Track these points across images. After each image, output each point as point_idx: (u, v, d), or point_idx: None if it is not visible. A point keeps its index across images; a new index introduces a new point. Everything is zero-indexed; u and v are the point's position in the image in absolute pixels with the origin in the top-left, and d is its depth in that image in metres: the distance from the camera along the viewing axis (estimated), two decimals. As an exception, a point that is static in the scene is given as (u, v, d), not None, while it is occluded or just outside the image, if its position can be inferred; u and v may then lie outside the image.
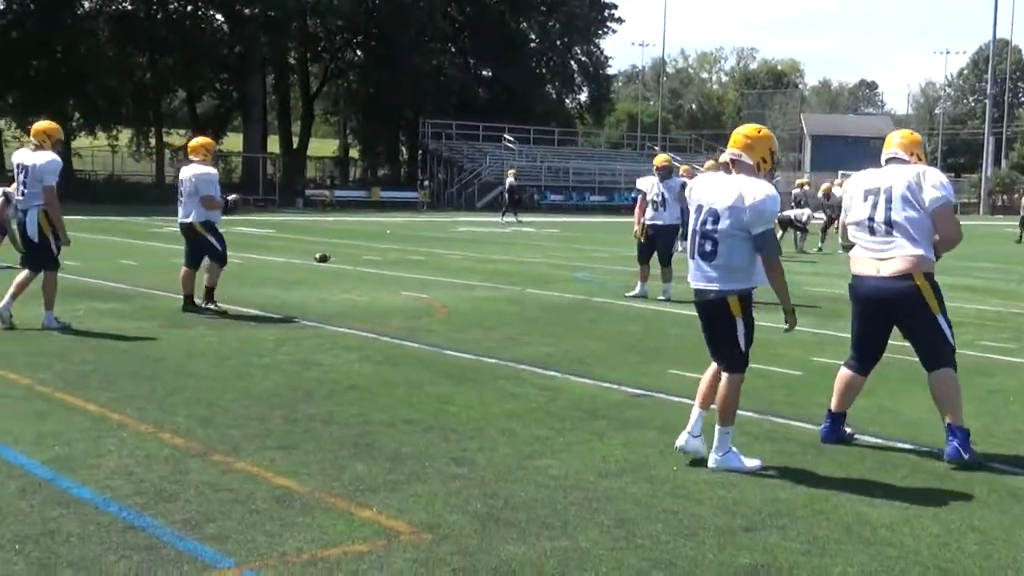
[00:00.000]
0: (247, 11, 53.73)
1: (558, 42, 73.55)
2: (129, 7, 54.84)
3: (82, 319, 11.22)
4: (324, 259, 17.73)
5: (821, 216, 27.63)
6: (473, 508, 5.33)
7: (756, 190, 6.03)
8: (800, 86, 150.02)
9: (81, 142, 57.83)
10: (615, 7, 75.19)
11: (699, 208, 6.26)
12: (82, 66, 49.74)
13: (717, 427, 6.23)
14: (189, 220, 12.01)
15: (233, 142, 69.24)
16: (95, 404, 7.29)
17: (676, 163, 19.33)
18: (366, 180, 62.81)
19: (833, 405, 6.93)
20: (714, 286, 6.19)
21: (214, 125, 67.70)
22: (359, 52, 66.20)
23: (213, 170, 12.14)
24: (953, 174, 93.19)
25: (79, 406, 7.23)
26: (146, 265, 17.48)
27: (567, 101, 79.47)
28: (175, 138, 65.61)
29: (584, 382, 8.65)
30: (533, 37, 72.88)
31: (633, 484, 5.84)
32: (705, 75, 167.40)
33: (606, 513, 5.33)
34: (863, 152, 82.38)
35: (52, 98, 50.92)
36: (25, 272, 10.67)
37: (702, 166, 26.61)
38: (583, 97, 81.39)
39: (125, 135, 60.66)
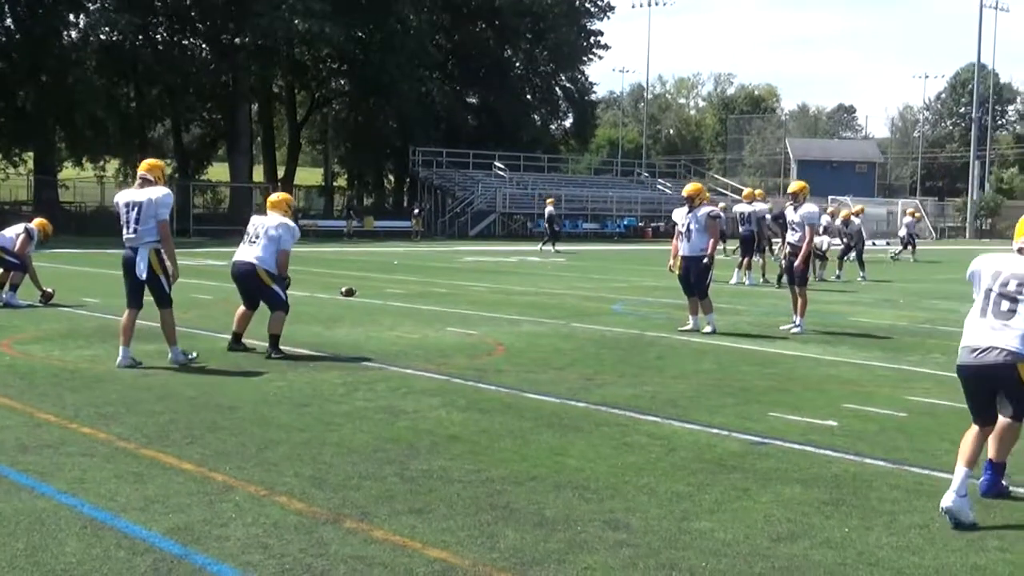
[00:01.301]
0: (237, 40, 53.13)
1: (542, 68, 73.38)
2: (115, 37, 54.14)
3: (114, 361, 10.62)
4: (351, 293, 17.17)
5: (838, 243, 27.16)
6: (661, 583, 4.81)
7: None
8: (777, 110, 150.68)
9: (67, 173, 57.05)
10: (601, 34, 75.06)
11: (997, 273, 6.03)
12: (70, 96, 48.92)
13: None
14: (253, 263, 11.46)
15: (216, 172, 68.69)
16: (190, 462, 6.72)
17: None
18: (353, 209, 62.13)
19: (991, 454, 6.43)
20: (1007, 347, 5.86)
21: (198, 155, 67.29)
22: (344, 80, 65.73)
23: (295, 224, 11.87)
24: (936, 198, 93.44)
25: (174, 464, 6.66)
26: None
27: (551, 127, 79.23)
28: (160, 168, 64.91)
29: (691, 428, 8.15)
30: (518, 64, 72.62)
31: (813, 550, 5.34)
32: (683, 100, 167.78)
33: (805, 586, 4.82)
34: (848, 176, 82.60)
35: (39, 128, 50.25)
36: (128, 313, 10.56)
37: (741, 195, 25.99)
38: (567, 123, 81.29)
39: (112, 165, 59.97)
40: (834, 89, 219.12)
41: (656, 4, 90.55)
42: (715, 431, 8.03)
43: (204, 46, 59.27)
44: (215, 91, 59.38)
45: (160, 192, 10.46)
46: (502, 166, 61.14)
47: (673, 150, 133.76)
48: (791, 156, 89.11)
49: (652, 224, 59.94)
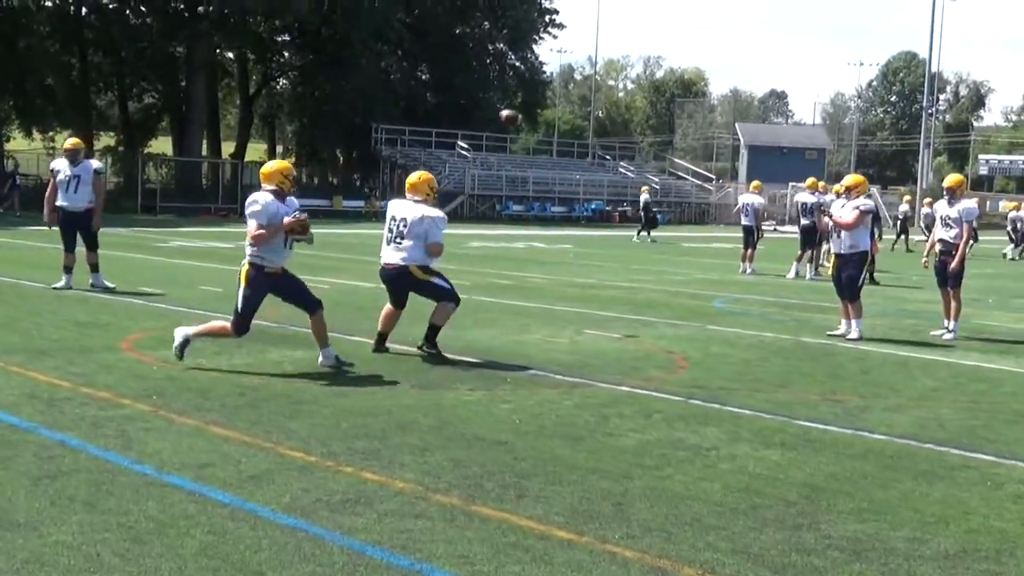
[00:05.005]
0: (199, 9, 50.82)
1: (491, 47, 71.77)
2: (60, 2, 51.61)
3: (290, 374, 9.15)
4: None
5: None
6: None
7: None
8: (707, 94, 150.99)
9: (18, 144, 54.38)
10: (556, 12, 73.68)
11: None
12: (20, 62, 46.31)
13: None
14: (406, 264, 10.27)
15: (159, 145, 66.23)
16: (564, 530, 5.41)
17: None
18: (311, 188, 59.98)
19: None
20: None
21: (143, 128, 64.71)
22: (298, 54, 63.54)
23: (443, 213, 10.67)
24: (880, 187, 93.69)
25: (544, 532, 5.33)
26: (234, 292, 15.24)
27: (500, 107, 77.66)
28: (104, 140, 62.55)
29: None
30: (470, 44, 70.80)
31: None
32: (612, 83, 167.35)
33: None
34: (798, 163, 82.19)
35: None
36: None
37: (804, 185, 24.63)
38: (516, 102, 79.72)
39: (61, 137, 57.34)
40: (763, 74, 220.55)
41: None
42: (1079, 476, 6.84)
43: (151, 15, 56.65)
44: (163, 62, 56.93)
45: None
46: (465, 146, 59.49)
47: (603, 132, 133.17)
48: (741, 141, 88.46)
49: (619, 209, 58.81)
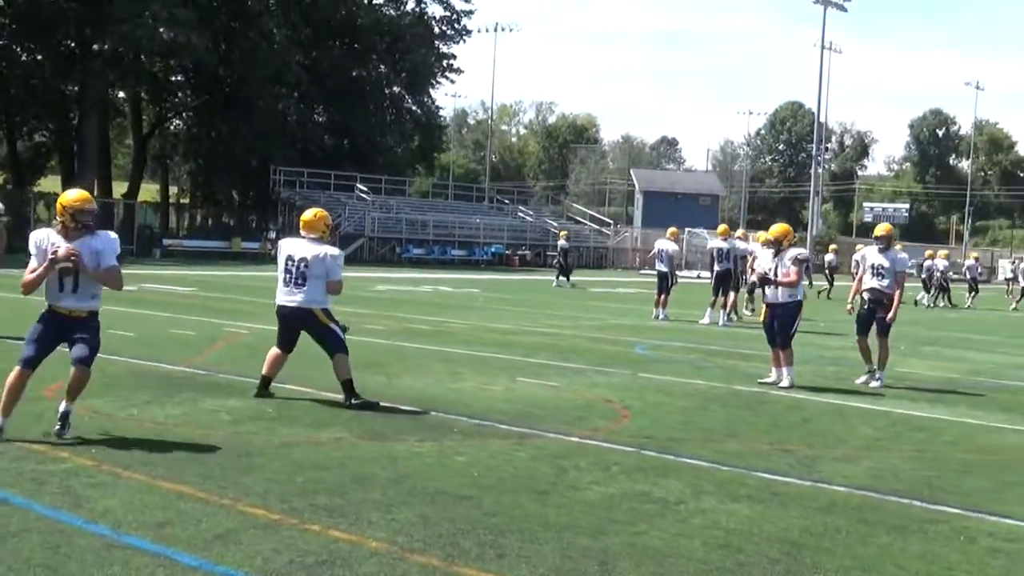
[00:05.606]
0: (95, 47, 49.79)
1: (388, 91, 71.54)
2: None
3: (229, 425, 8.80)
4: (344, 330, 15.24)
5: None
6: None
7: None
8: (599, 141, 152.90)
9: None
10: (454, 57, 73.76)
11: None
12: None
13: None
14: (310, 307, 10.07)
15: (49, 184, 64.66)
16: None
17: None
18: (206, 229, 59.09)
19: None
20: None
21: (32, 166, 63.23)
22: (193, 94, 62.66)
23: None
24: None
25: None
26: (148, 336, 14.81)
27: (398, 150, 77.45)
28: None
29: (999, 521, 7.01)
30: (367, 88, 70.51)
31: None
32: (505, 127, 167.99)
33: None
34: (692, 208, 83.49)
35: None
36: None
37: (716, 231, 24.74)
38: (414, 146, 79.59)
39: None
40: (655, 121, 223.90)
41: (502, 30, 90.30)
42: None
43: (42, 52, 55.39)
44: (55, 100, 55.67)
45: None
46: (364, 188, 59.08)
47: (497, 176, 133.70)
48: (636, 186, 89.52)
49: (519, 252, 58.96)
